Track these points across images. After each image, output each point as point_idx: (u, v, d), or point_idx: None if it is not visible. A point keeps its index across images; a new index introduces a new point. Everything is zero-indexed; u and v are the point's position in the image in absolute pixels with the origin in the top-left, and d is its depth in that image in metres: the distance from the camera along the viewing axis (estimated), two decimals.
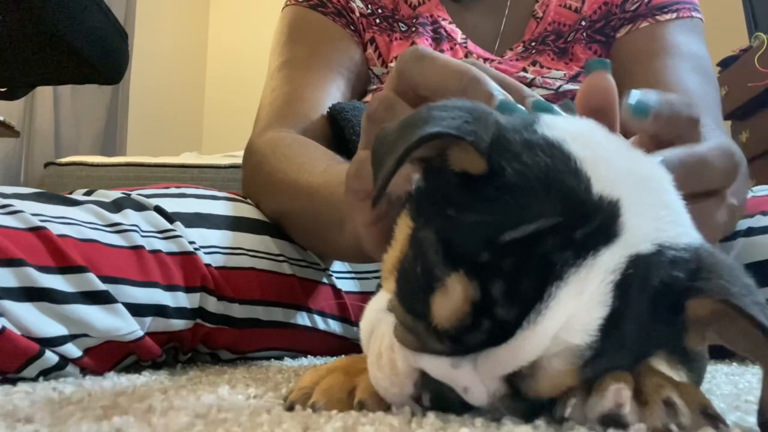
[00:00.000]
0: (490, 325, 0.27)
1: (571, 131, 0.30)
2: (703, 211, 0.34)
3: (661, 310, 0.28)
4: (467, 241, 0.28)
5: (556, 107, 0.35)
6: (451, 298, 0.27)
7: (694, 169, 0.34)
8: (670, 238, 0.29)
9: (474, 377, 0.29)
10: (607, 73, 0.35)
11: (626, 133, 0.35)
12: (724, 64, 2.28)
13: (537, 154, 0.29)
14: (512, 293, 0.27)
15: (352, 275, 0.80)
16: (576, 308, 0.27)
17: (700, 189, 0.34)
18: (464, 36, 0.89)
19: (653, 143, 0.35)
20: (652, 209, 0.29)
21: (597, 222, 0.27)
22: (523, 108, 0.35)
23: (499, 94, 0.35)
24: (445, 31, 0.89)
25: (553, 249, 0.27)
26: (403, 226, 0.32)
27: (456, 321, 0.28)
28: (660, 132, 0.35)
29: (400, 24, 0.90)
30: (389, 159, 0.30)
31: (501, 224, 0.27)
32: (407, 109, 0.38)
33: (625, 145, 0.32)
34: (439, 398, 0.30)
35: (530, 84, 0.84)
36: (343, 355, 0.61)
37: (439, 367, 0.29)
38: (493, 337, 0.27)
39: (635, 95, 0.35)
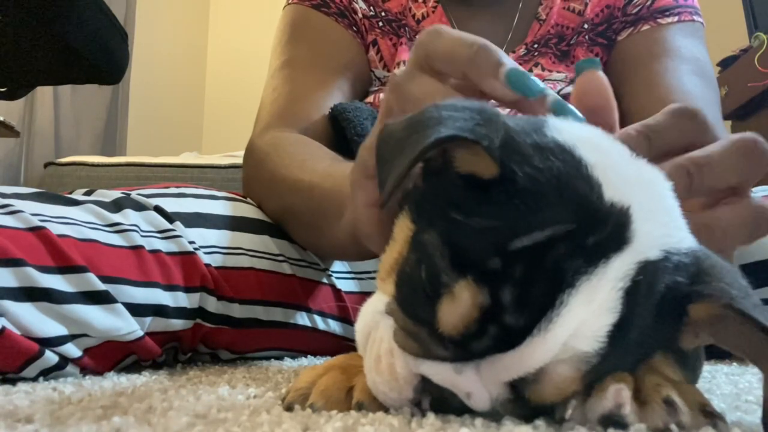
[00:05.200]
0: (497, 331, 0.27)
1: (578, 136, 0.30)
2: (714, 218, 0.33)
3: (664, 314, 0.28)
4: (476, 246, 0.27)
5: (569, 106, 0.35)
6: (459, 305, 0.27)
7: (694, 171, 0.33)
8: (675, 243, 0.29)
9: (477, 383, 0.28)
10: (599, 71, 0.35)
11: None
12: (724, 64, 2.28)
13: (548, 158, 0.28)
14: (523, 300, 0.27)
15: (352, 275, 0.80)
16: (586, 315, 0.26)
17: (706, 189, 0.33)
18: None
19: (667, 153, 0.34)
20: (659, 215, 0.29)
21: (609, 229, 0.27)
22: (535, 79, 0.35)
23: (509, 62, 0.35)
24: None
25: (564, 256, 0.27)
26: (403, 228, 0.32)
27: (463, 328, 0.27)
28: (665, 138, 0.34)
29: (407, 30, 0.90)
30: (400, 159, 0.30)
31: (512, 230, 0.27)
32: (429, 80, 0.38)
33: (627, 152, 0.32)
34: (440, 403, 0.30)
35: None
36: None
37: (441, 372, 0.29)
38: (499, 344, 0.27)
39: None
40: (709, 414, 0.28)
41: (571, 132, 0.30)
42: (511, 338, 0.27)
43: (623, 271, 0.27)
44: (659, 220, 0.29)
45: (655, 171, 0.31)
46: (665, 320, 0.28)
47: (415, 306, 0.30)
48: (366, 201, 0.39)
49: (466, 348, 0.28)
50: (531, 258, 0.27)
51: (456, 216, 0.28)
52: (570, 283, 0.26)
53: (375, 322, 0.32)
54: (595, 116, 0.33)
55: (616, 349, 0.27)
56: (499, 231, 0.27)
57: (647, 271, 0.27)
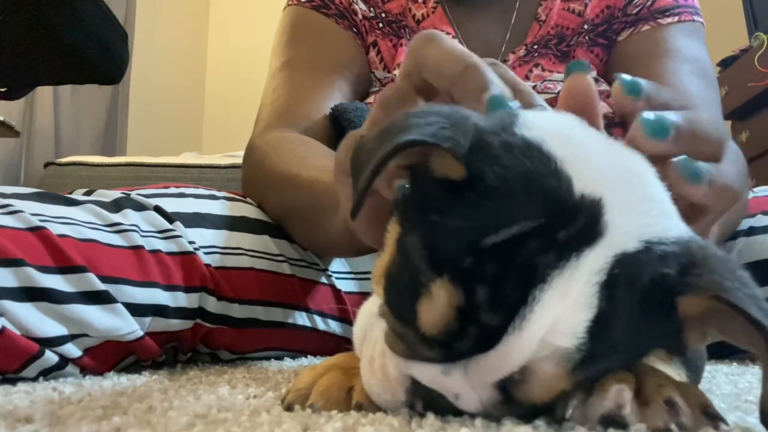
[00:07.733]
0: (476, 331, 0.27)
1: (549, 130, 0.30)
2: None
3: (652, 309, 0.27)
4: (450, 246, 0.28)
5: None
6: (436, 303, 0.27)
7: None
8: (658, 232, 0.28)
9: (464, 384, 0.28)
10: (586, 74, 0.35)
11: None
12: (724, 64, 2.28)
13: (516, 156, 0.28)
14: (496, 298, 0.27)
15: (352, 276, 0.80)
16: (561, 311, 0.26)
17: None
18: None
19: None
20: (636, 205, 0.28)
21: (580, 222, 0.27)
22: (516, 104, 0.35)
23: (496, 87, 0.34)
24: None
25: (535, 252, 0.26)
26: (392, 232, 0.32)
27: (442, 327, 0.27)
28: (678, 152, 0.33)
29: (407, 30, 0.90)
30: (367, 168, 0.30)
31: (482, 229, 0.27)
32: (415, 100, 0.38)
33: (606, 140, 0.31)
34: (431, 405, 0.30)
35: None
36: None
37: (429, 374, 0.29)
38: (480, 343, 0.27)
39: (651, 115, 0.33)
40: (711, 415, 0.28)
41: (542, 126, 0.30)
42: (490, 337, 0.27)
43: (598, 265, 0.27)
44: (637, 210, 0.28)
45: (637, 157, 0.31)
46: (654, 315, 0.28)
47: (401, 307, 0.30)
48: (348, 197, 0.40)
49: (450, 349, 0.28)
50: (502, 255, 0.27)
51: (434, 218, 0.29)
52: (542, 278, 0.26)
53: (370, 324, 0.33)
54: (579, 115, 0.34)
55: (600, 345, 0.27)
56: (470, 230, 0.27)
57: (625, 263, 0.27)
